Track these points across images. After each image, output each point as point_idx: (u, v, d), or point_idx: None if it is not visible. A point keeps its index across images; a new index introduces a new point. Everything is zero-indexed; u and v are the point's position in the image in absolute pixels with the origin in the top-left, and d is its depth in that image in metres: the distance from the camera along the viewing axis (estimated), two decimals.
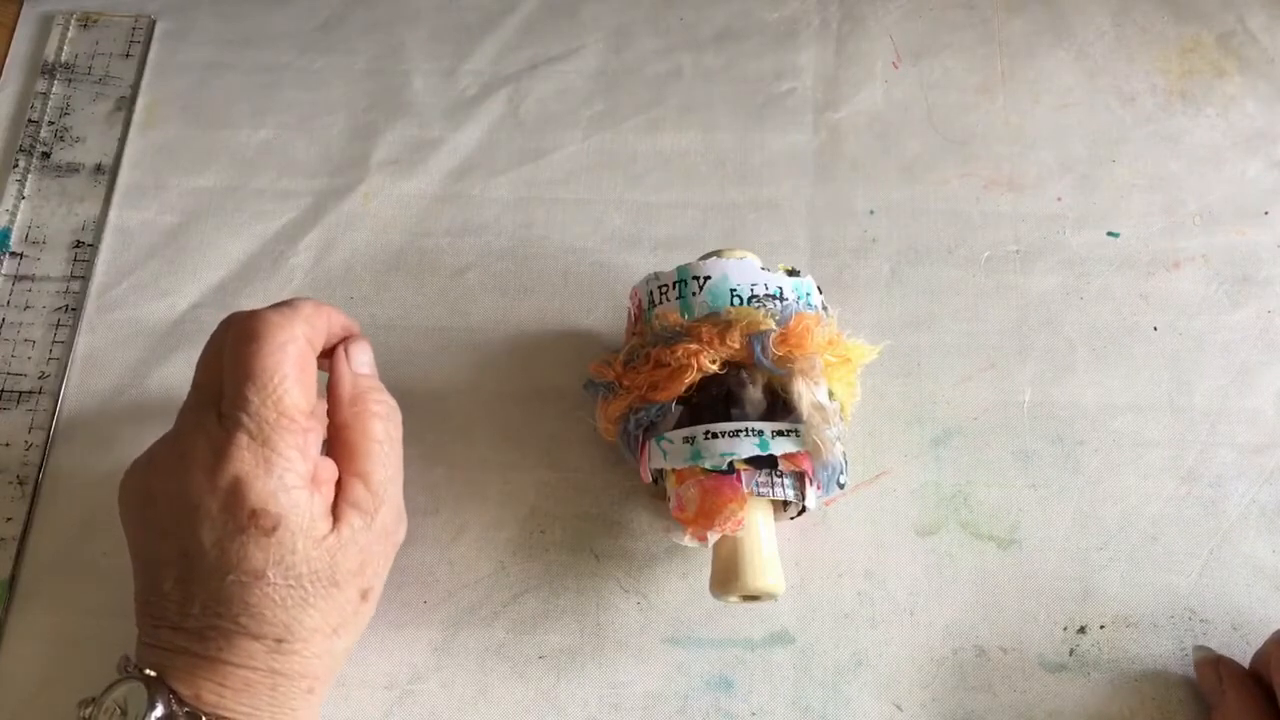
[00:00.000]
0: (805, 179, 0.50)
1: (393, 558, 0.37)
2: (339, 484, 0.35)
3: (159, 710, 0.32)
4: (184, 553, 0.33)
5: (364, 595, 0.35)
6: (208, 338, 0.36)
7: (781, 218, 0.49)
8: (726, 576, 0.38)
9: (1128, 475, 0.44)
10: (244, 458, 0.32)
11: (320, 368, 0.37)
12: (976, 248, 0.49)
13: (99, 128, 0.51)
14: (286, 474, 0.33)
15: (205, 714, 0.32)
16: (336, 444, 0.36)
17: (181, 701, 0.32)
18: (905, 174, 0.50)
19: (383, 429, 0.36)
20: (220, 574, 0.32)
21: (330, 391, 0.37)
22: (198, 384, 0.36)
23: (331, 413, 0.37)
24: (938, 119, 0.52)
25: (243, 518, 0.32)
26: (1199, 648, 0.40)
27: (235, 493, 0.32)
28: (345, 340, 0.38)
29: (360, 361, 0.38)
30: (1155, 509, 0.43)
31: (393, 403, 0.37)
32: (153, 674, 0.32)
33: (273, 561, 0.32)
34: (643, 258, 0.49)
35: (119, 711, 0.32)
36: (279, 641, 0.33)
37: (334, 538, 0.34)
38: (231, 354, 0.34)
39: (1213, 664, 0.39)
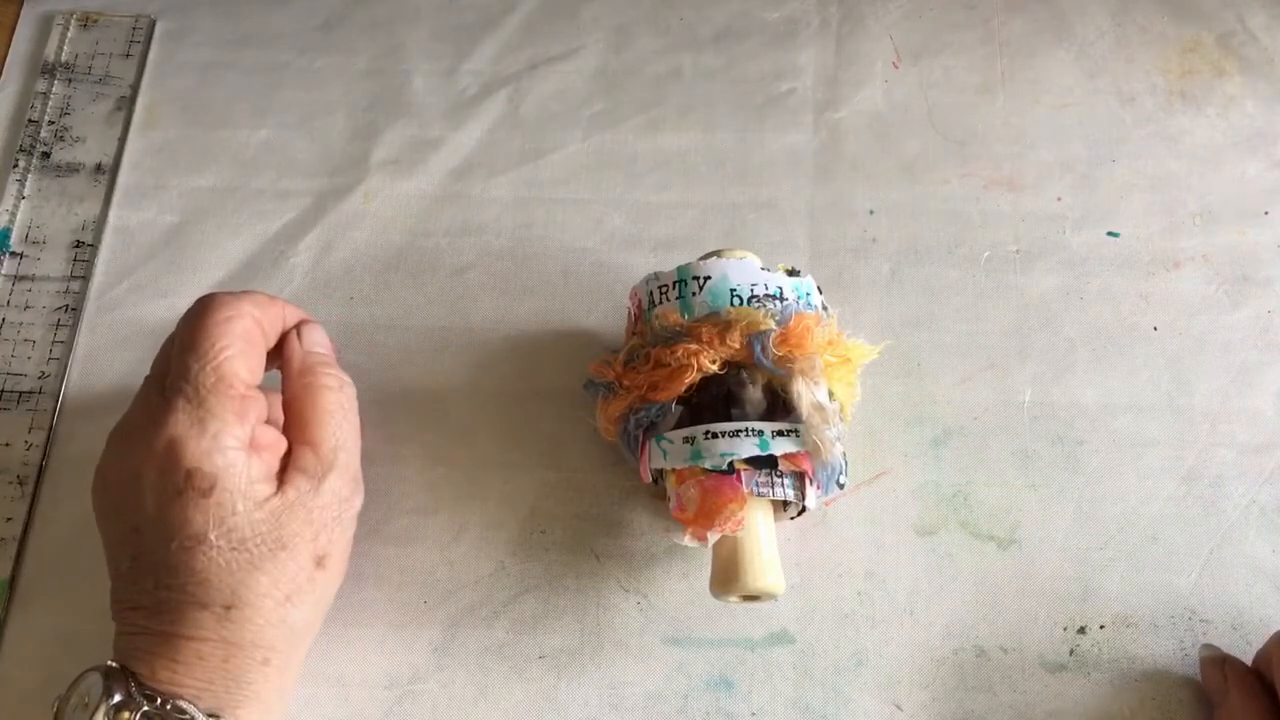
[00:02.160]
0: (805, 179, 0.50)
1: (352, 529, 0.37)
2: (288, 452, 0.36)
3: (116, 698, 0.32)
4: (134, 528, 0.34)
5: (319, 562, 0.35)
6: None
7: (781, 218, 0.49)
8: (726, 576, 0.38)
9: (1128, 475, 0.44)
10: (179, 420, 0.33)
11: (273, 365, 0.38)
12: (976, 248, 0.49)
13: (99, 128, 0.51)
14: (221, 435, 0.33)
15: (160, 693, 0.32)
16: (288, 416, 0.37)
17: (142, 685, 0.32)
18: (905, 174, 0.50)
19: (333, 400, 0.37)
20: (165, 541, 0.33)
21: (283, 367, 0.38)
22: (151, 372, 0.37)
23: (284, 387, 0.37)
24: (938, 119, 0.52)
25: (179, 479, 0.33)
26: (1206, 646, 0.40)
27: (171, 454, 0.33)
28: (299, 324, 0.39)
29: (313, 340, 0.39)
30: (1155, 509, 0.43)
31: (345, 378, 0.38)
32: (113, 664, 0.33)
33: (213, 524, 0.33)
34: (643, 258, 0.49)
35: (83, 705, 0.32)
36: (227, 608, 0.33)
37: (278, 500, 0.34)
38: (179, 330, 0.36)
39: (1218, 663, 0.39)
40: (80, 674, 0.33)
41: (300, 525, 0.34)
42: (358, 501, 0.37)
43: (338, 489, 0.36)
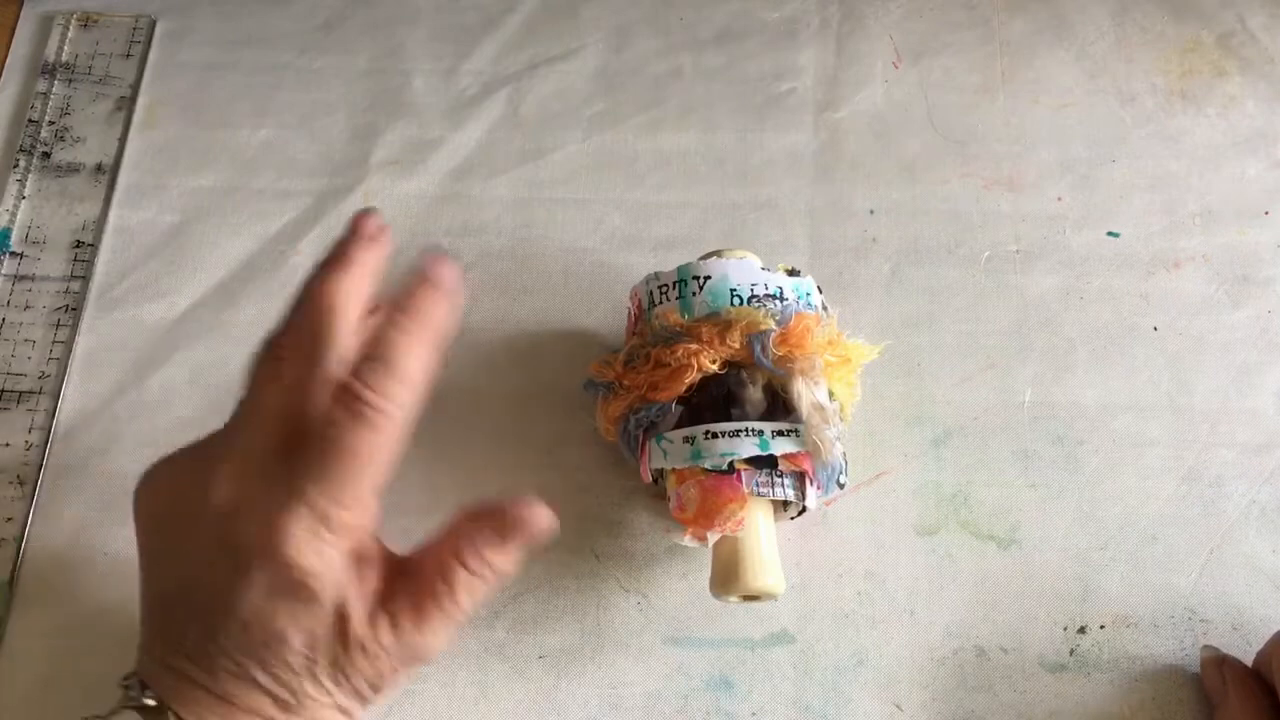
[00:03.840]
0: (805, 179, 0.50)
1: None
2: (408, 592, 0.33)
3: None
4: (196, 581, 0.31)
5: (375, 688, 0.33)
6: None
7: (781, 218, 0.49)
8: (726, 576, 0.38)
9: (1128, 475, 0.44)
10: (302, 528, 0.30)
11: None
12: (976, 248, 0.49)
13: (99, 128, 0.51)
14: (334, 550, 0.31)
15: None
16: (424, 569, 0.33)
17: None
18: (905, 174, 0.50)
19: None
20: (248, 629, 0.31)
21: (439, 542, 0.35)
22: (258, 404, 0.33)
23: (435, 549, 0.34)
24: (938, 119, 0.52)
25: (285, 582, 0.30)
26: (1206, 647, 0.40)
27: (279, 558, 0.30)
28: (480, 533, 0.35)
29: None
30: (1155, 509, 0.43)
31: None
32: (152, 703, 0.31)
33: (303, 630, 0.31)
34: (643, 258, 0.48)
35: None
36: (286, 705, 0.31)
37: (367, 633, 0.31)
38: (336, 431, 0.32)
39: (1217, 663, 0.39)
40: (113, 709, 0.31)
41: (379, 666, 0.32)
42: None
43: (424, 649, 0.33)
